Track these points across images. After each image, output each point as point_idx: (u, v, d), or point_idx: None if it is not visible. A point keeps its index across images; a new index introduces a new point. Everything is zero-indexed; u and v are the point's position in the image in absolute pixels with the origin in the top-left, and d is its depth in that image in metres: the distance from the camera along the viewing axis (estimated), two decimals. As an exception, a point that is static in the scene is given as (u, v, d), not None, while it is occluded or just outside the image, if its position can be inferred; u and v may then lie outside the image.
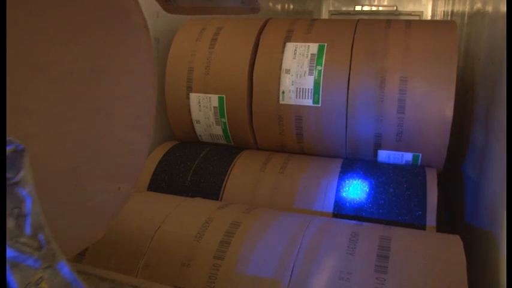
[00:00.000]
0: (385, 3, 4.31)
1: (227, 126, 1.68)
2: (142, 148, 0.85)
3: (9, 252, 0.44)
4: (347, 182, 1.48)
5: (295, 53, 1.59)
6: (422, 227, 1.35)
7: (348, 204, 1.43)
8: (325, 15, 4.37)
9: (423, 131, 1.48)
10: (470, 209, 1.60)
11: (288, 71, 1.58)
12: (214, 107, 1.65)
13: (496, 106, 1.35)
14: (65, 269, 0.50)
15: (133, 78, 0.80)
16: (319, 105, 1.55)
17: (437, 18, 3.70)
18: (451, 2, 2.96)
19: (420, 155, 1.54)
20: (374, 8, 4.30)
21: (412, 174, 1.49)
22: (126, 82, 0.78)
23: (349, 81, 1.52)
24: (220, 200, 1.53)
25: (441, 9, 3.51)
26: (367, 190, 1.45)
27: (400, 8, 4.22)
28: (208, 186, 1.55)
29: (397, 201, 1.41)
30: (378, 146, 1.56)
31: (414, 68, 1.48)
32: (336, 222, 1.24)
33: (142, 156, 0.86)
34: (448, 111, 1.45)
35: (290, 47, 1.61)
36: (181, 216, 1.23)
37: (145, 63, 0.83)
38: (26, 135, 0.48)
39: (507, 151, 1.14)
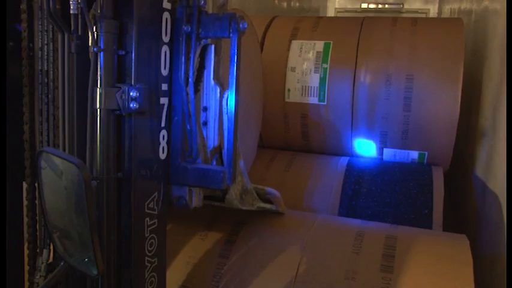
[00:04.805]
0: (391, 0, 4.29)
1: (232, 125, 1.68)
2: (261, 116, 1.56)
3: None
4: (353, 180, 1.47)
5: (300, 51, 1.58)
6: (429, 226, 1.34)
7: (353, 202, 1.42)
8: (331, 12, 4.36)
9: (429, 129, 1.48)
10: (477, 208, 1.59)
11: (293, 69, 1.58)
12: (219, 105, 1.65)
13: (503, 104, 1.34)
14: (242, 163, 0.98)
15: (256, 71, 1.43)
16: (325, 103, 1.54)
17: (444, 16, 3.68)
18: (458, 0, 2.94)
19: (426, 153, 1.53)
20: (380, 6, 4.28)
21: (418, 172, 1.48)
22: (255, 72, 1.41)
23: (354, 79, 1.51)
24: (226, 199, 1.53)
25: (448, 6, 3.49)
26: (373, 189, 1.44)
27: (406, 6, 4.20)
28: (214, 185, 1.55)
29: (403, 199, 1.40)
30: (383, 144, 1.55)
31: (420, 65, 1.47)
32: (342, 221, 1.24)
33: (260, 121, 1.57)
34: (455, 109, 1.44)
35: (296, 44, 1.60)
36: (187, 215, 1.22)
37: (259, 63, 1.49)
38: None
39: (507, 149, 1.13)
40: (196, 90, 0.89)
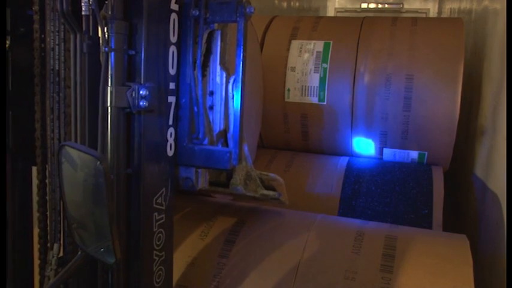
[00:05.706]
0: (391, 0, 4.29)
1: (232, 124, 1.68)
2: (261, 116, 1.61)
3: None
4: (352, 180, 1.47)
5: (300, 51, 1.58)
6: (429, 226, 1.34)
7: (353, 202, 1.42)
8: (331, 12, 4.36)
9: (429, 129, 1.47)
10: (477, 208, 1.59)
11: (293, 69, 1.57)
12: (219, 105, 1.65)
13: (503, 104, 1.34)
14: (246, 148, 1.00)
15: (257, 71, 1.48)
16: (325, 103, 1.54)
17: (444, 15, 3.67)
18: (457, 0, 2.94)
19: (426, 153, 1.53)
20: (380, 6, 4.28)
21: (418, 172, 1.48)
22: (255, 72, 1.46)
23: (354, 79, 1.51)
24: (225, 198, 1.53)
25: (448, 6, 3.49)
26: (373, 188, 1.44)
27: (406, 6, 4.19)
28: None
29: (403, 199, 1.40)
30: (383, 144, 1.55)
31: (420, 65, 1.47)
32: (342, 221, 1.24)
33: (260, 121, 1.60)
34: (455, 108, 1.44)
35: (295, 44, 1.60)
36: (186, 215, 1.22)
37: (260, 62, 1.53)
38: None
39: (507, 149, 1.13)
40: (203, 75, 0.92)
